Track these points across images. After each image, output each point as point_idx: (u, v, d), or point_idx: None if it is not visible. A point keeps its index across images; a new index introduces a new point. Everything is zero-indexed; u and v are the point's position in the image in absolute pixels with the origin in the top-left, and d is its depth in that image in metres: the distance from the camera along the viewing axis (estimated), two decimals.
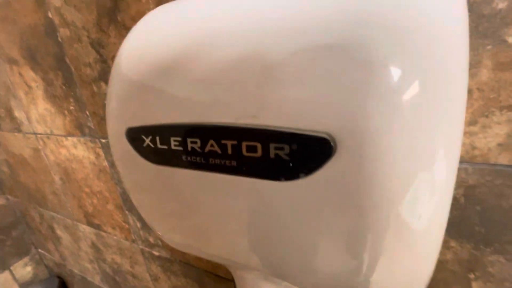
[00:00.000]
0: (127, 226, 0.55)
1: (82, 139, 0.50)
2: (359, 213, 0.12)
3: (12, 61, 0.51)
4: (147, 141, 0.16)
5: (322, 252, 0.13)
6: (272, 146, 0.12)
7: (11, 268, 0.94)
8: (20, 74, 0.51)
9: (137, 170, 0.17)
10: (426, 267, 0.15)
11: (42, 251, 0.98)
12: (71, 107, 0.47)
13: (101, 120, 0.44)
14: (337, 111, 0.10)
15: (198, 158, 0.14)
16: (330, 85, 0.10)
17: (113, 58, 0.36)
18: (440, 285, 0.26)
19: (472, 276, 0.25)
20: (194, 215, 0.16)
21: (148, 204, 0.19)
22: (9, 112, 0.61)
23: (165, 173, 0.16)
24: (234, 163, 0.13)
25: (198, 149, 0.14)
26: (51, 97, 0.49)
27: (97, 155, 0.49)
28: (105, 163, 0.49)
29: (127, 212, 0.53)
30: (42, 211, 0.79)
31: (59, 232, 0.79)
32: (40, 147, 0.60)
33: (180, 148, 0.14)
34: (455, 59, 0.10)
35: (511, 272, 0.23)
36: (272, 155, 0.12)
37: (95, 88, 0.41)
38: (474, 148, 0.20)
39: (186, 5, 0.16)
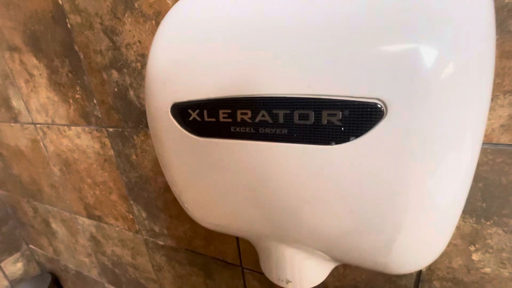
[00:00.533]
0: (131, 216, 0.55)
1: (87, 129, 0.49)
2: (398, 176, 0.13)
3: (13, 48, 0.50)
4: (194, 115, 0.17)
5: (362, 212, 0.15)
6: (324, 113, 0.13)
7: (1, 264, 0.91)
8: (22, 61, 0.50)
9: (180, 144, 0.18)
10: (442, 240, 0.17)
11: (33, 247, 0.95)
12: (77, 96, 0.47)
13: (110, 108, 0.44)
14: (389, 79, 0.12)
15: (247, 128, 0.15)
16: (384, 57, 0.12)
17: (127, 45, 0.37)
18: (443, 258, 0.29)
19: (472, 248, 0.27)
20: (237, 186, 0.17)
21: (186, 178, 0.20)
22: (6, 101, 0.59)
23: (210, 145, 0.17)
24: (285, 131, 0.14)
25: (248, 120, 0.15)
26: (55, 85, 0.48)
27: (103, 145, 0.49)
28: (111, 153, 0.49)
29: (131, 202, 0.53)
30: (37, 205, 0.77)
31: (54, 226, 0.77)
32: (39, 138, 0.59)
33: (229, 120, 0.16)
34: (486, 45, 0.12)
35: (508, 243, 0.25)
36: (324, 121, 0.13)
37: (105, 76, 0.41)
38: None
39: None
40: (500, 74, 0.21)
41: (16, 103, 0.57)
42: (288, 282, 0.22)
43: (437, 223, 0.16)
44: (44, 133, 0.57)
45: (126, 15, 0.35)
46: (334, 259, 0.20)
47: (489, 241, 0.26)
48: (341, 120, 0.13)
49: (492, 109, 0.22)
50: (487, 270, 0.27)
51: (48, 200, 0.72)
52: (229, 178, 0.18)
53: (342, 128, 0.13)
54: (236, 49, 0.15)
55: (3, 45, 0.51)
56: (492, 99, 0.21)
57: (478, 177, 0.24)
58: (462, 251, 0.28)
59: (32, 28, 0.45)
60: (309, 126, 0.14)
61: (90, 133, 0.49)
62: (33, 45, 0.46)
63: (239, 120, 0.15)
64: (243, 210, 0.19)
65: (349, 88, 0.12)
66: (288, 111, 0.14)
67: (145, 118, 0.41)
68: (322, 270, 0.22)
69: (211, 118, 0.16)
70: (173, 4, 0.31)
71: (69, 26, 0.40)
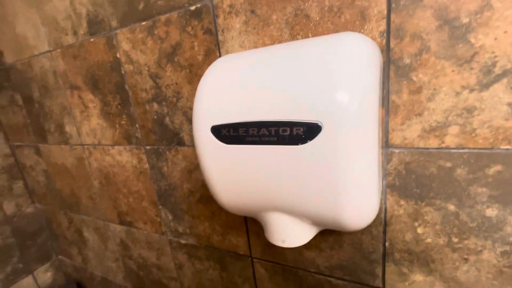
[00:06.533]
0: (158, 219, 0.67)
1: (128, 147, 0.63)
2: (333, 163, 0.25)
3: (74, 87, 0.65)
4: (224, 132, 0.30)
5: (317, 187, 0.27)
6: (294, 128, 0.26)
7: (34, 273, 1.01)
8: (80, 97, 0.65)
9: (215, 149, 0.31)
10: (368, 206, 0.29)
11: (62, 257, 1.06)
12: (123, 122, 0.61)
13: (149, 131, 0.57)
14: (324, 113, 0.24)
15: (255, 138, 0.28)
16: (321, 105, 0.24)
17: (166, 86, 0.51)
18: (397, 234, 0.39)
19: (416, 224, 0.38)
20: (250, 173, 0.30)
21: (218, 174, 0.32)
22: (60, 127, 0.74)
23: (234, 149, 0.30)
24: (275, 138, 0.27)
25: (255, 133, 0.28)
26: (106, 114, 0.63)
27: (140, 160, 0.62)
28: (146, 166, 0.62)
29: (160, 206, 0.65)
30: (72, 216, 0.89)
31: (86, 234, 0.89)
32: (85, 156, 0.73)
33: (245, 134, 0.28)
34: (372, 93, 0.25)
35: (438, 218, 0.36)
36: (294, 133, 0.26)
37: (147, 107, 0.55)
38: (405, 138, 0.35)
39: (246, 54, 0.31)
40: (412, 105, 0.33)
41: (69, 129, 0.72)
42: (283, 241, 0.33)
43: (361, 194, 0.28)
44: (90, 152, 0.71)
45: (168, 65, 0.49)
46: (311, 222, 0.32)
47: (426, 217, 0.37)
48: (303, 132, 0.25)
49: (411, 125, 0.34)
50: (429, 240, 0.38)
51: (84, 211, 0.84)
52: (245, 169, 0.30)
53: (303, 136, 0.25)
54: (248, 97, 0.28)
55: (67, 85, 0.66)
56: (409, 119, 0.34)
57: (411, 171, 0.36)
58: (410, 227, 0.38)
59: (93, 73, 0.60)
60: (287, 135, 0.26)
61: (130, 151, 0.63)
62: (92, 85, 0.62)
63: (250, 133, 0.28)
64: (255, 190, 0.31)
65: (306, 116, 0.25)
66: (276, 128, 0.26)
67: (177, 138, 0.54)
68: (306, 232, 0.33)
69: (235, 133, 0.29)
70: (202, 60, 0.45)
71: (123, 72, 0.55)
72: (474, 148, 0.32)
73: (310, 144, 0.25)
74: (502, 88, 0.29)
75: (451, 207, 0.35)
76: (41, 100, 0.74)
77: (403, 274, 0.41)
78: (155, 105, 0.54)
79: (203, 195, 0.56)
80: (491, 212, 0.33)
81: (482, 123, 0.30)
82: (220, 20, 0.41)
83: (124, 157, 0.65)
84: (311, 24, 0.35)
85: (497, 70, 0.28)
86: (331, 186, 0.26)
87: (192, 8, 0.43)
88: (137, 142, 0.60)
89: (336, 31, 0.34)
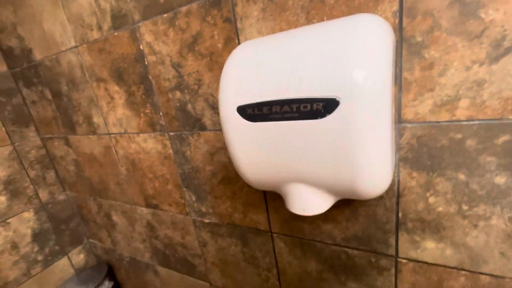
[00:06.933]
0: (183, 201, 0.72)
1: (152, 134, 0.67)
2: (349, 135, 0.28)
3: (100, 80, 0.70)
4: (249, 111, 0.33)
5: (335, 157, 0.30)
6: (314, 104, 0.28)
7: (69, 255, 1.10)
8: (106, 88, 0.70)
9: (242, 127, 0.34)
10: (382, 175, 0.31)
11: (92, 241, 1.14)
12: (147, 111, 0.65)
13: (172, 118, 0.61)
14: (341, 90, 0.27)
15: (278, 115, 0.31)
16: (338, 81, 0.27)
17: (188, 74, 0.54)
18: (410, 205, 0.42)
19: (428, 194, 0.40)
20: (274, 148, 0.33)
21: (244, 150, 0.36)
22: (88, 118, 0.79)
23: (259, 126, 0.33)
24: (296, 114, 0.30)
25: (278, 110, 0.31)
26: (131, 104, 0.67)
27: (164, 146, 0.67)
28: (170, 151, 0.66)
29: (184, 189, 0.69)
30: (101, 201, 0.96)
31: (115, 218, 0.96)
32: (111, 145, 0.78)
33: (269, 112, 0.32)
34: (386, 70, 0.27)
35: (449, 187, 0.39)
36: (314, 108, 0.29)
37: (170, 96, 0.59)
38: (417, 113, 0.37)
39: (267, 39, 0.34)
40: (425, 82, 0.35)
41: (96, 119, 0.77)
42: (304, 210, 0.37)
43: (375, 163, 0.30)
44: (117, 141, 0.76)
45: (189, 54, 0.52)
46: (329, 192, 0.35)
47: (437, 187, 0.39)
48: (322, 107, 0.28)
49: (423, 101, 0.36)
50: (440, 209, 0.40)
51: (113, 196, 0.90)
52: (269, 144, 0.33)
53: (322, 110, 0.28)
54: (270, 78, 0.31)
55: (93, 78, 0.71)
56: (422, 94, 0.36)
57: (422, 144, 0.38)
58: (422, 197, 0.41)
59: (118, 65, 0.64)
60: (308, 111, 0.29)
61: (154, 137, 0.67)
62: (117, 77, 0.66)
63: (273, 111, 0.31)
64: (278, 163, 0.34)
65: (325, 92, 0.28)
66: (298, 105, 0.29)
67: (199, 123, 0.58)
68: (325, 201, 0.37)
69: (259, 111, 0.32)
70: (222, 48, 0.48)
71: (146, 63, 0.59)
72: (483, 120, 0.33)
73: (329, 117, 0.28)
74: (511, 61, 0.30)
75: (462, 177, 0.37)
76: (69, 94, 0.80)
77: (415, 242, 0.44)
78: (178, 93, 0.58)
79: (225, 176, 0.60)
80: (500, 179, 0.35)
81: (491, 95, 0.32)
82: (238, 9, 0.44)
83: (149, 144, 0.69)
84: (326, 8, 0.37)
85: (507, 43, 0.30)
86: (347, 156, 0.29)
87: None
88: (161, 129, 0.65)
89: (350, 13, 0.36)
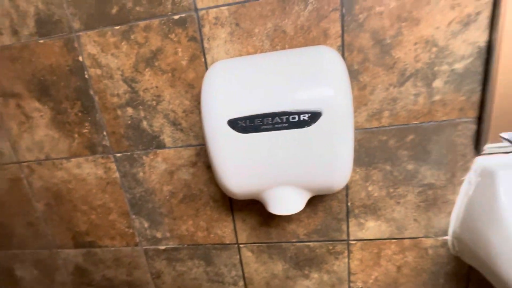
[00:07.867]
0: (131, 231, 0.64)
1: (90, 158, 0.58)
2: (329, 140, 0.36)
3: (9, 95, 0.56)
4: (241, 123, 0.36)
5: (318, 159, 0.36)
6: (301, 115, 0.34)
7: None
8: (19, 106, 0.56)
9: (232, 140, 0.36)
10: (346, 172, 0.40)
11: None
12: (85, 130, 0.56)
13: (121, 137, 0.55)
14: (322, 106, 0.34)
15: (269, 126, 0.35)
16: (320, 99, 0.34)
17: (144, 89, 0.51)
18: (355, 194, 0.53)
19: (367, 184, 0.52)
20: (263, 156, 0.37)
21: (231, 163, 0.38)
22: None
23: (250, 137, 0.36)
24: (286, 124, 0.35)
25: (270, 122, 0.35)
26: (59, 123, 0.56)
27: (107, 169, 0.59)
28: (116, 175, 0.59)
29: (133, 216, 0.62)
30: None
31: (19, 273, 0.73)
32: (22, 176, 0.62)
33: (260, 123, 0.35)
34: (349, 88, 0.36)
35: (380, 177, 0.51)
36: (301, 119, 0.34)
37: (119, 112, 0.54)
38: (357, 122, 0.49)
39: (245, 59, 0.38)
40: (365, 95, 0.47)
41: None
42: (287, 210, 0.42)
43: (346, 162, 0.39)
44: (32, 170, 0.61)
45: (146, 70, 0.50)
46: (308, 190, 0.41)
47: (373, 178, 0.52)
48: (308, 118, 0.34)
49: (360, 113, 0.48)
50: (376, 194, 0.53)
51: (18, 244, 0.70)
52: (260, 152, 0.37)
53: (308, 120, 0.34)
54: (261, 94, 0.35)
55: None
56: (365, 105, 0.48)
57: (361, 146, 0.50)
58: (363, 187, 0.53)
59: (42, 77, 0.53)
60: (296, 121, 0.35)
61: (93, 161, 0.58)
62: (39, 91, 0.55)
63: (265, 123, 0.35)
64: (268, 169, 0.38)
65: (311, 106, 0.34)
66: (287, 116, 0.35)
67: (156, 141, 0.55)
68: (303, 199, 0.42)
69: (251, 123, 0.35)
70: (187, 65, 0.49)
71: (86, 76, 0.52)
72: (398, 125, 0.48)
73: (313, 126, 0.35)
74: (410, 85, 0.45)
75: (388, 167, 0.51)
76: None
77: (361, 224, 0.55)
78: (130, 110, 0.53)
79: (186, 195, 0.58)
80: (410, 166, 0.50)
81: (402, 108, 0.46)
82: (205, 30, 0.46)
83: (85, 169, 0.59)
84: (287, 38, 0.45)
85: (407, 73, 0.45)
86: (327, 156, 0.36)
87: (176, 17, 0.46)
88: (104, 151, 0.57)
89: (306, 44, 0.45)
